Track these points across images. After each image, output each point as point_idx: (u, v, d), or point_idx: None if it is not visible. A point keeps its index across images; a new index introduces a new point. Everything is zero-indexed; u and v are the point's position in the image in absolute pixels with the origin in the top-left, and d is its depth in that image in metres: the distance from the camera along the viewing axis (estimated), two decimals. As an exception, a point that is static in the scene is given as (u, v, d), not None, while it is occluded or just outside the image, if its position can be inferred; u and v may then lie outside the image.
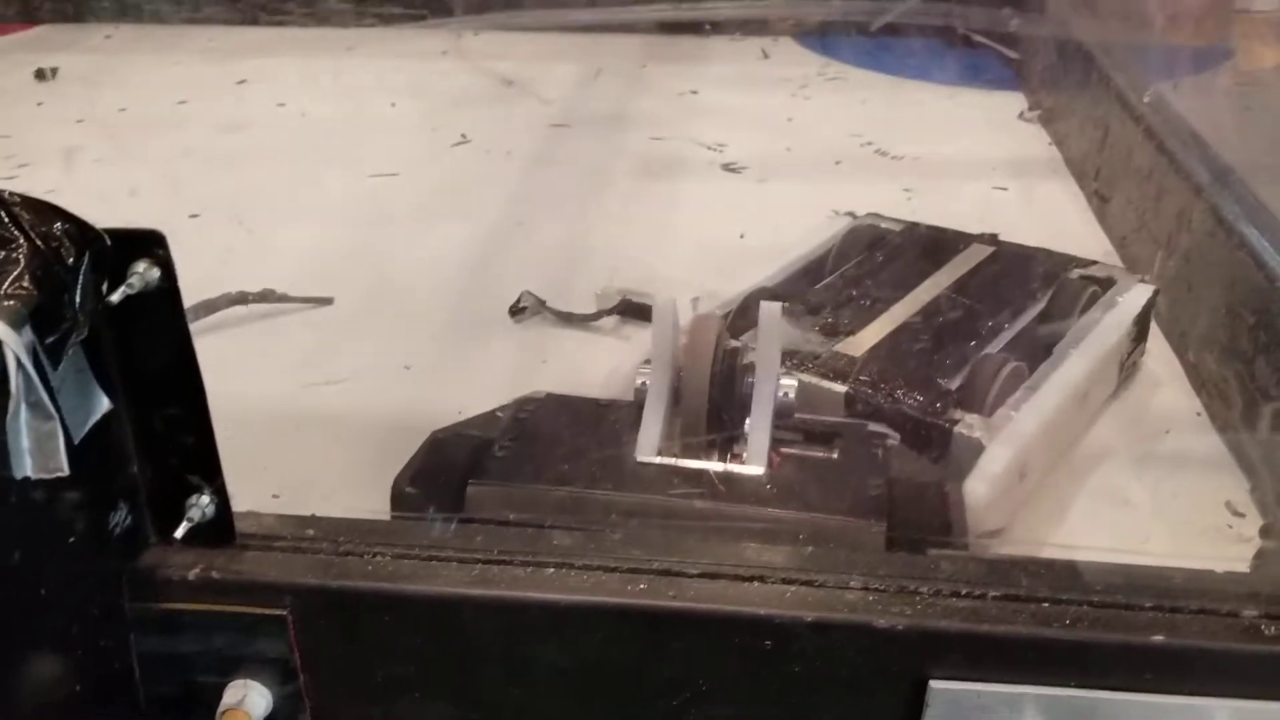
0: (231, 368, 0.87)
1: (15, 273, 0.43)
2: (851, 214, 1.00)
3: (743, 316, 0.77)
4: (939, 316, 0.79)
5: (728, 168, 1.23)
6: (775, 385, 0.61)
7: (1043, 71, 1.43)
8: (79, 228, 0.44)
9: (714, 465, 0.61)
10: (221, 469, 0.49)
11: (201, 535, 0.49)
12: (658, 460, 0.61)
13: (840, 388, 0.69)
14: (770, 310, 0.63)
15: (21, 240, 0.44)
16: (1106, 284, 0.83)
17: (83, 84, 1.51)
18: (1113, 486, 0.73)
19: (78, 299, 0.44)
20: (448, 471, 0.62)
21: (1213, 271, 0.82)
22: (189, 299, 0.90)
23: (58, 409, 0.42)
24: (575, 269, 1.01)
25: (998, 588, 0.48)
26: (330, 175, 1.23)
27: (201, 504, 0.49)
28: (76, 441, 0.44)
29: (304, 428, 0.80)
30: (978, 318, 0.78)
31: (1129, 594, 0.48)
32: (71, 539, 0.46)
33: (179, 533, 0.49)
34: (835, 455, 0.62)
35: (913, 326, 0.77)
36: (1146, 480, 0.74)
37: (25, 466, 0.41)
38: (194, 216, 1.12)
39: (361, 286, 0.99)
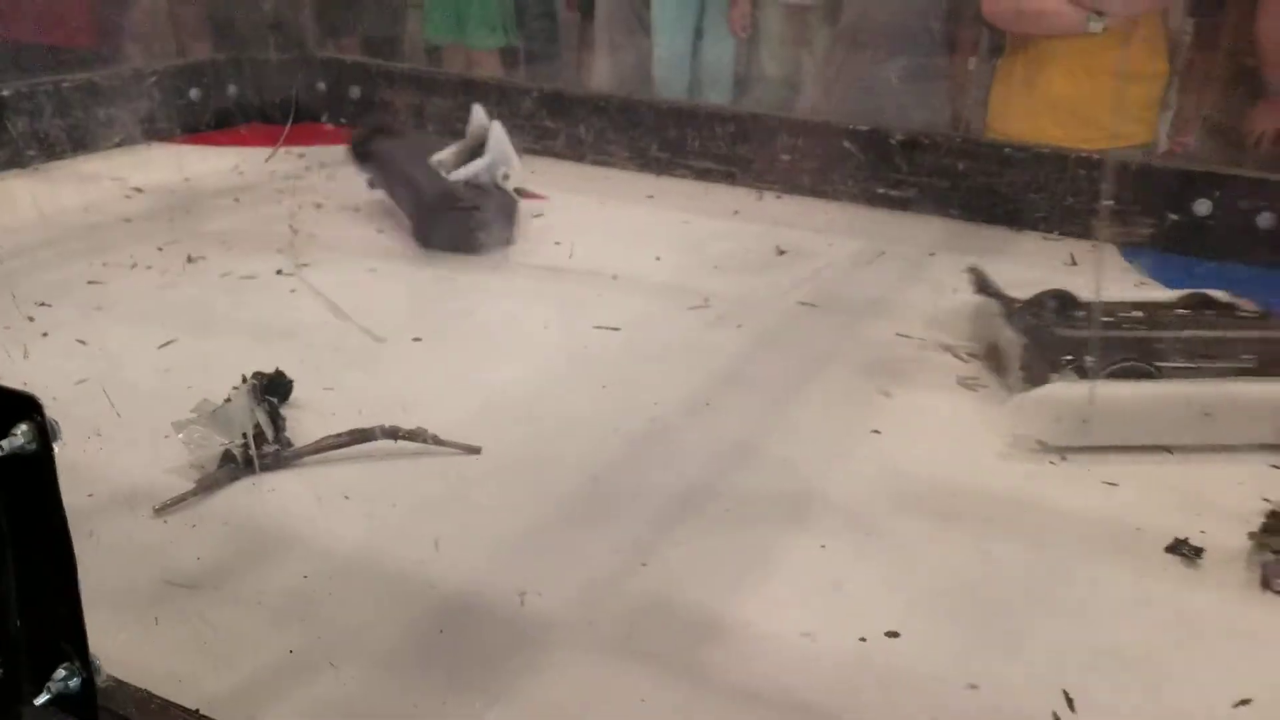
0: (355, 505, 0.87)
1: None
2: None
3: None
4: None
5: (962, 382, 1.09)
6: None
7: None
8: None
9: None
10: (87, 642, 0.47)
11: (63, 708, 0.47)
12: None
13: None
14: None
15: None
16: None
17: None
18: None
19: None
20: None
21: None
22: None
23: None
24: (738, 469, 0.93)
25: None
26: (561, 319, 1.23)
27: (61, 677, 0.47)
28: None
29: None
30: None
31: None
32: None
33: (38, 700, 0.47)
34: None
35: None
36: None
37: None
38: (416, 341, 1.16)
39: (517, 441, 0.96)
